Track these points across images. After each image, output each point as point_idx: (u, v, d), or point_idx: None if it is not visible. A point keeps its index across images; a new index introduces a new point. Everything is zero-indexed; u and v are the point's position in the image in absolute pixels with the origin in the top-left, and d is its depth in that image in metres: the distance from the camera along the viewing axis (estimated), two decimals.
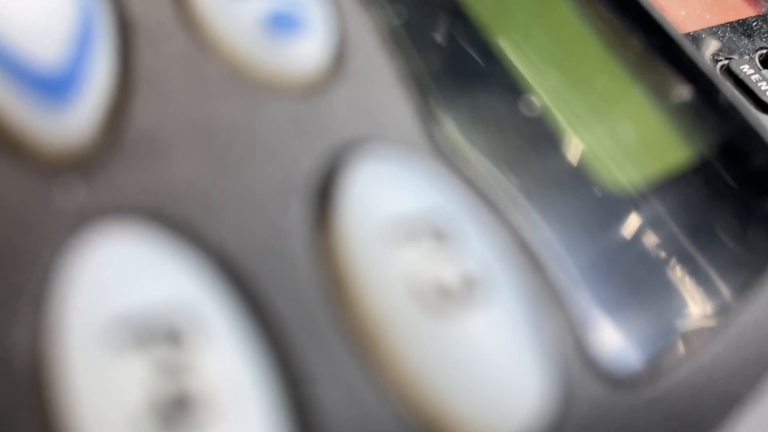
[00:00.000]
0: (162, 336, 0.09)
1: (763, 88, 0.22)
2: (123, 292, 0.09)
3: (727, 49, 0.22)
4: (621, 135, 0.14)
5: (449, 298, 0.10)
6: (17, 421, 0.08)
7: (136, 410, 0.08)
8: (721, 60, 0.22)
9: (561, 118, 0.13)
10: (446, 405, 0.09)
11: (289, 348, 0.09)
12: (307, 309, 0.09)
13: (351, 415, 0.09)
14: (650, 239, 0.13)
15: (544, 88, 0.13)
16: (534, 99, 0.13)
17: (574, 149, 0.13)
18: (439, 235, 0.10)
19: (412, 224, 0.10)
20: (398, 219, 0.10)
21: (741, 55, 0.22)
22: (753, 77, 0.22)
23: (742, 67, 0.22)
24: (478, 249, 0.10)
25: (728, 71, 0.22)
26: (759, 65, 0.22)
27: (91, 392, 0.08)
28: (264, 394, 0.09)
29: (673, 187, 0.14)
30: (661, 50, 0.15)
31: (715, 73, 0.15)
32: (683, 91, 0.15)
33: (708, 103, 0.14)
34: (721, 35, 0.23)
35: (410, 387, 0.09)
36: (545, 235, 0.11)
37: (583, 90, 0.14)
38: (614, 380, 0.10)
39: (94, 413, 0.08)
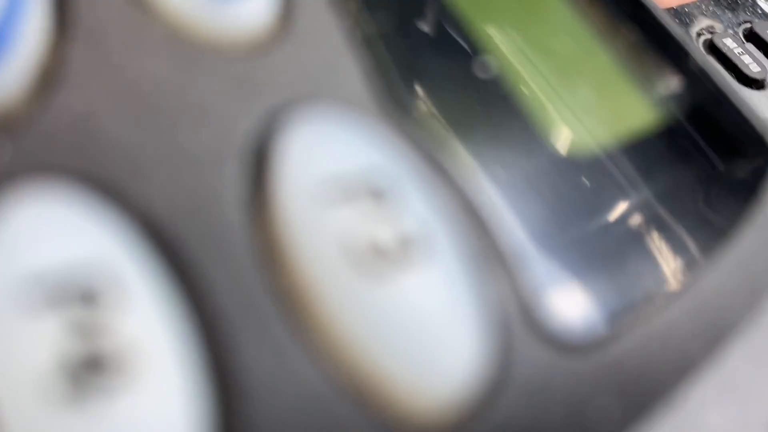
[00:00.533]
0: (76, 296, 0.08)
1: (746, 61, 0.21)
2: (38, 251, 0.08)
3: (710, 24, 0.22)
4: (581, 98, 0.13)
5: (384, 258, 0.09)
6: None
7: (45, 371, 0.08)
8: (704, 35, 0.22)
9: (519, 79, 0.13)
10: (379, 367, 0.09)
11: (214, 310, 0.09)
12: (236, 271, 0.09)
13: (279, 379, 0.09)
14: (605, 203, 0.13)
15: (505, 50, 0.13)
16: (491, 60, 0.13)
17: (529, 111, 0.13)
18: (376, 194, 0.10)
19: (349, 184, 0.10)
20: (335, 179, 0.10)
21: (725, 29, 0.22)
22: (736, 51, 0.21)
23: (725, 41, 0.21)
24: (417, 209, 0.10)
25: (711, 46, 0.21)
26: (742, 39, 0.22)
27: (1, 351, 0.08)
28: (183, 357, 0.08)
29: (633, 150, 0.13)
30: (632, 16, 0.15)
31: (687, 37, 0.15)
32: (653, 55, 0.14)
33: (677, 66, 0.14)
34: (704, 10, 0.23)
35: (342, 349, 0.09)
36: (494, 198, 0.11)
37: (545, 52, 0.13)
38: (560, 345, 0.10)
39: (2, 373, 0.08)
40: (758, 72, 0.20)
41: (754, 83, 0.19)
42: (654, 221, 0.13)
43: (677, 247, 0.12)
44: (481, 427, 0.09)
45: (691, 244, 0.12)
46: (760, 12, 0.22)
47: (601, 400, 0.10)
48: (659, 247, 0.12)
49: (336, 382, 0.09)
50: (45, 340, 0.08)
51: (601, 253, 0.12)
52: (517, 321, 0.10)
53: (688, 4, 0.23)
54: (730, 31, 0.22)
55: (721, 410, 0.11)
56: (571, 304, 0.11)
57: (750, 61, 0.21)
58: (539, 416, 0.10)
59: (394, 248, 0.09)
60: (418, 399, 0.09)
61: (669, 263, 0.12)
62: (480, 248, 0.10)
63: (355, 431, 0.09)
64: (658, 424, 0.10)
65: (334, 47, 0.11)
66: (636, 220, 0.13)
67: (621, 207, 0.13)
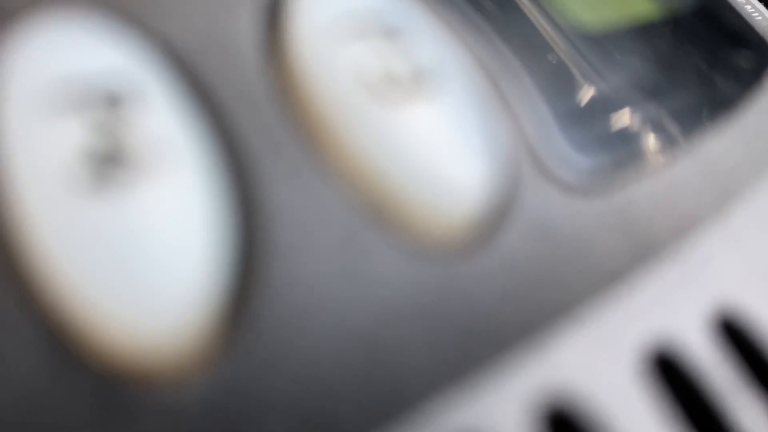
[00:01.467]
0: (101, 99, 0.08)
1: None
2: (66, 59, 0.09)
3: None
4: None
5: (398, 87, 0.09)
6: None
7: (68, 163, 0.08)
8: None
9: None
10: (393, 186, 0.09)
11: (233, 132, 0.09)
12: (253, 97, 0.09)
13: (295, 196, 0.09)
14: (609, 70, 0.13)
15: None
16: None
17: None
18: (390, 32, 0.10)
19: (363, 22, 0.10)
20: (350, 16, 0.10)
21: None
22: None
23: None
24: (429, 46, 0.10)
25: None
26: None
27: (26, 149, 0.08)
28: (202, 162, 0.08)
29: (642, 32, 0.13)
30: None
31: None
32: None
33: None
34: None
35: (357, 172, 0.09)
36: (504, 52, 0.11)
37: None
38: (567, 185, 0.10)
39: (27, 167, 0.08)
40: None
41: None
42: (660, 92, 0.13)
43: (683, 115, 0.12)
44: (491, 254, 0.09)
45: (696, 115, 0.12)
46: None
47: (608, 238, 0.10)
48: (664, 114, 0.12)
49: (351, 203, 0.09)
50: (69, 136, 0.08)
51: (609, 108, 0.12)
52: (525, 159, 0.10)
53: None
54: None
55: (727, 261, 0.11)
56: (577, 146, 0.11)
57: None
58: (546, 249, 0.10)
59: (407, 79, 0.10)
60: (431, 218, 0.09)
61: (675, 128, 0.12)
62: (490, 89, 0.10)
63: (371, 246, 0.09)
64: (664, 271, 0.10)
65: None
66: (641, 81, 0.13)
67: (626, 75, 0.13)
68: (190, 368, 0.08)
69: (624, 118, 0.13)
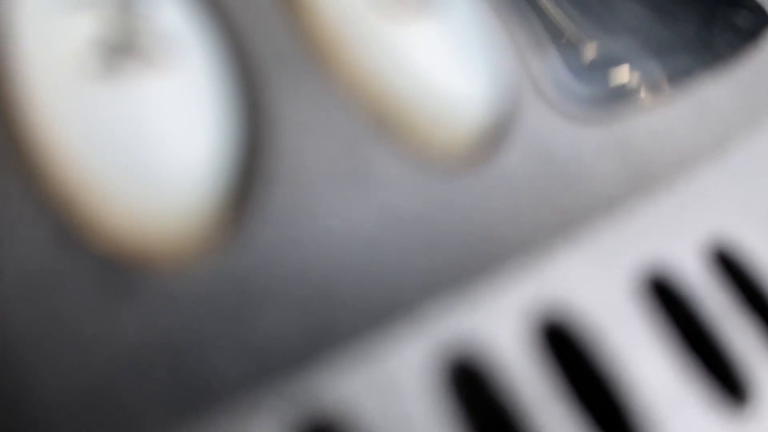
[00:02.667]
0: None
1: None
2: None
3: None
4: None
5: (404, 4, 0.09)
6: None
7: (80, 51, 0.08)
8: None
9: None
10: (395, 101, 0.09)
11: (239, 36, 0.09)
12: (259, 5, 0.09)
13: (299, 100, 0.09)
14: (612, 20, 0.13)
15: None
16: None
17: None
18: None
19: None
20: None
21: None
22: None
23: None
24: None
25: None
26: None
27: (39, 38, 0.08)
28: (210, 59, 0.08)
29: None
30: None
31: None
32: None
33: None
34: None
35: (361, 84, 0.09)
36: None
37: None
38: (567, 113, 0.10)
39: (40, 55, 0.08)
40: None
41: None
42: (658, 46, 0.13)
43: (681, 66, 0.13)
44: (491, 171, 0.09)
45: (693, 67, 0.12)
46: None
47: (606, 166, 0.10)
48: (662, 65, 0.13)
49: (355, 110, 0.09)
50: (81, 28, 0.08)
51: (609, 60, 0.12)
52: (527, 84, 0.10)
53: None
54: None
55: (722, 196, 0.11)
56: (580, 81, 0.11)
57: None
58: (545, 171, 0.10)
59: (414, 1, 0.10)
60: (433, 131, 0.09)
61: (672, 77, 0.12)
62: (495, 18, 0.10)
63: (374, 153, 0.09)
64: (660, 201, 0.10)
65: None
66: (641, 43, 0.13)
67: (626, 29, 0.13)
68: (193, 255, 0.08)
69: (623, 70, 0.13)
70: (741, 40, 0.13)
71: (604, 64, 0.12)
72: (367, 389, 0.08)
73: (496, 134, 0.10)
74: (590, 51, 0.12)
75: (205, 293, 0.08)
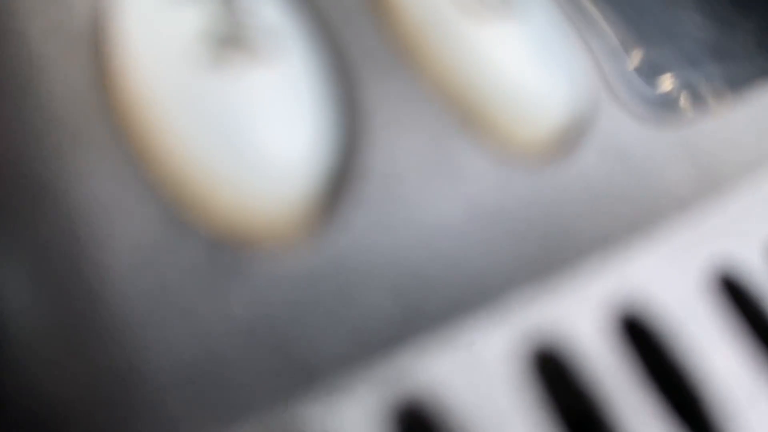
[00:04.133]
0: None
1: None
2: None
3: None
4: None
5: (488, 6, 0.10)
6: (72, 69, 0.08)
7: (189, 43, 0.08)
8: None
9: None
10: (479, 100, 0.09)
11: (332, 34, 0.09)
12: (348, 5, 0.10)
13: (388, 96, 0.09)
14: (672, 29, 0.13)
15: None
16: None
17: None
18: None
19: None
20: None
21: None
22: None
23: None
24: None
25: None
26: None
27: (149, 31, 0.08)
28: (309, 55, 0.09)
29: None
30: None
31: None
32: None
33: None
34: None
35: (447, 82, 0.09)
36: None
37: None
38: (639, 115, 0.10)
39: (150, 47, 0.08)
40: None
41: None
42: (718, 55, 0.13)
43: (740, 75, 0.13)
44: (569, 168, 0.10)
45: (755, 70, 0.13)
46: None
47: (677, 167, 0.10)
48: (721, 74, 0.13)
49: (441, 106, 0.09)
50: (189, 21, 0.08)
51: (666, 69, 0.13)
52: (601, 87, 0.10)
53: None
54: None
55: None
56: (649, 87, 0.11)
57: None
58: (620, 169, 0.10)
59: (497, 1, 0.10)
60: (516, 129, 0.09)
61: (732, 85, 0.12)
62: (568, 22, 0.11)
63: (458, 147, 0.09)
64: (728, 203, 0.11)
65: None
66: (699, 53, 0.13)
67: (686, 38, 0.13)
68: (294, 238, 0.08)
69: (685, 77, 0.13)
70: None
71: (666, 70, 0.13)
72: (455, 372, 0.08)
73: (574, 132, 0.10)
74: (642, 56, 0.13)
75: (306, 274, 0.08)
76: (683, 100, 0.12)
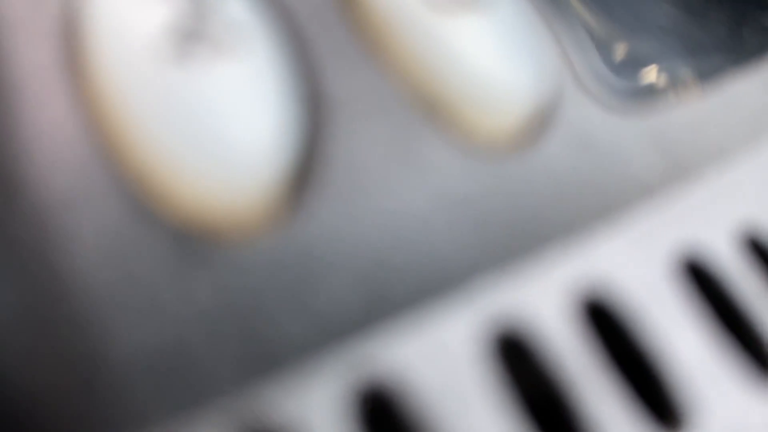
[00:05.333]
0: None
1: None
2: None
3: None
4: None
5: (452, 0, 0.10)
6: (39, 63, 0.08)
7: (155, 37, 0.08)
8: None
9: None
10: (444, 90, 0.10)
11: (298, 28, 0.09)
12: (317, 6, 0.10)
13: (354, 87, 0.09)
14: (643, 18, 0.13)
15: None
16: None
17: None
18: None
19: None
20: None
21: None
22: None
23: None
24: None
25: None
26: None
27: (115, 25, 0.09)
28: (273, 49, 0.09)
29: None
30: None
31: None
32: None
33: None
34: None
35: (412, 73, 0.10)
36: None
37: None
38: (606, 104, 0.10)
39: (116, 41, 0.08)
40: None
41: None
42: (689, 44, 0.13)
43: (711, 63, 0.13)
44: (534, 157, 0.10)
45: (723, 64, 0.13)
46: None
47: (643, 155, 0.10)
48: (693, 62, 0.13)
49: (406, 98, 0.09)
50: (155, 16, 0.09)
51: (640, 60, 0.13)
52: (567, 76, 0.10)
53: None
54: None
55: (754, 188, 0.11)
56: (616, 75, 0.12)
57: None
58: (585, 158, 0.10)
59: None
60: (480, 118, 0.10)
61: (702, 73, 0.13)
62: (536, 13, 0.11)
63: (424, 137, 0.09)
64: (695, 190, 0.11)
65: None
66: (672, 41, 0.13)
67: (657, 27, 0.13)
68: (259, 228, 0.08)
69: (654, 68, 0.13)
70: None
71: (635, 62, 0.13)
72: (419, 356, 0.08)
73: (540, 122, 0.10)
74: (621, 50, 0.13)
75: (270, 263, 0.08)
76: (664, 87, 0.12)
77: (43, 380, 0.07)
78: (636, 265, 0.10)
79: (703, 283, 0.10)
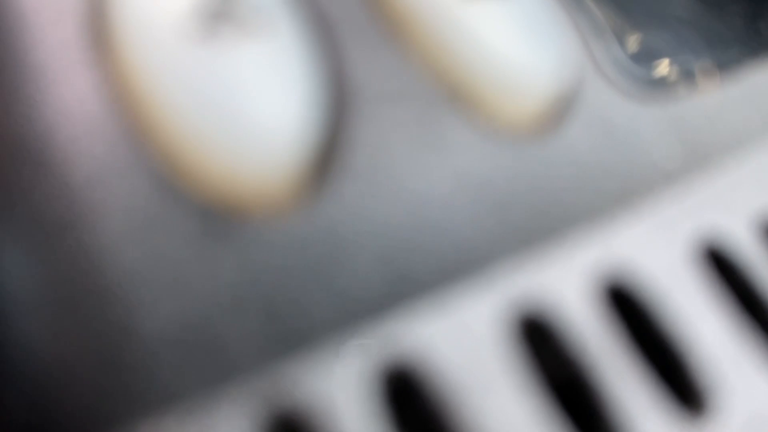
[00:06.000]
0: None
1: None
2: None
3: None
4: None
5: None
6: (66, 43, 0.08)
7: (182, 17, 0.08)
8: None
9: None
10: (467, 75, 0.10)
11: (321, 12, 0.09)
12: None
13: (377, 71, 0.09)
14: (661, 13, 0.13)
15: None
16: None
17: None
18: None
19: None
20: None
21: None
22: None
23: None
24: None
25: None
26: None
27: (143, 5, 0.09)
28: (298, 31, 0.09)
29: None
30: None
31: None
32: None
33: None
34: None
35: (435, 58, 0.10)
36: None
37: None
38: (626, 91, 0.10)
39: (144, 20, 0.09)
40: None
41: None
42: (708, 38, 0.13)
43: (728, 55, 0.13)
44: (557, 141, 0.10)
45: (741, 54, 0.13)
46: None
47: (663, 142, 0.10)
48: (710, 54, 0.13)
49: (429, 82, 0.09)
50: None
51: (657, 54, 0.13)
52: (588, 63, 0.10)
53: None
54: None
55: None
56: (637, 64, 0.12)
57: None
58: (607, 144, 0.10)
59: None
60: (503, 103, 0.10)
61: (720, 64, 0.13)
62: (557, 3, 0.11)
63: (446, 121, 0.09)
64: (714, 178, 0.11)
65: None
66: (689, 36, 0.13)
67: (675, 23, 0.13)
68: (284, 207, 0.08)
69: (671, 60, 0.13)
70: None
71: (648, 55, 0.13)
72: (442, 336, 0.08)
73: (561, 107, 0.10)
74: (635, 41, 0.13)
75: (295, 241, 0.08)
76: (675, 80, 0.12)
77: (70, 356, 0.07)
78: (657, 251, 0.10)
79: (724, 268, 0.10)
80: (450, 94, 0.09)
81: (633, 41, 0.13)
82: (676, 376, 0.09)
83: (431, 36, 0.10)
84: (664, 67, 0.13)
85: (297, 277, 0.08)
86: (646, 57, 0.13)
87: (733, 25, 0.13)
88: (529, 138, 0.10)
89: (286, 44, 0.09)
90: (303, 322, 0.08)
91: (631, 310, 0.09)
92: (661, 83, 0.12)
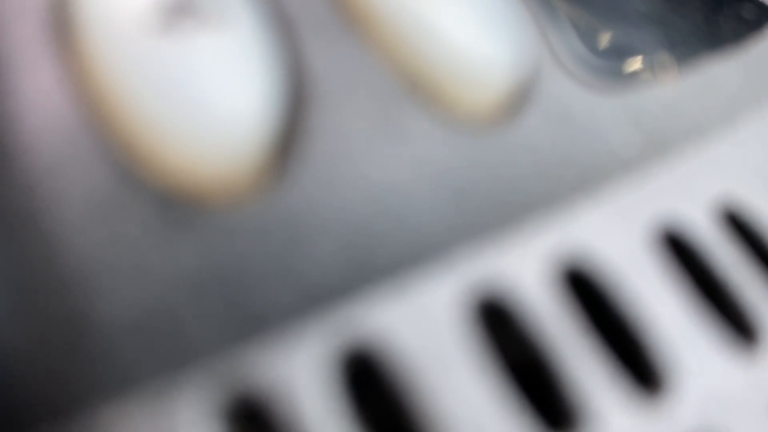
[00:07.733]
0: None
1: None
2: None
3: None
4: None
5: None
6: (27, 35, 0.08)
7: (142, 11, 0.08)
8: None
9: None
10: (426, 66, 0.10)
11: (283, 10, 0.09)
12: None
13: (336, 61, 0.09)
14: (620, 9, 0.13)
15: None
16: None
17: None
18: None
19: None
20: None
21: None
22: None
23: None
24: None
25: None
26: None
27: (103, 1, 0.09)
28: (257, 23, 0.09)
29: None
30: None
31: None
32: None
33: None
34: None
35: (394, 49, 0.10)
36: None
37: None
38: (583, 82, 0.11)
39: (105, 14, 0.09)
40: None
41: None
42: (665, 30, 0.13)
43: (687, 49, 0.13)
44: (515, 131, 0.10)
45: (699, 50, 0.13)
46: None
47: (621, 131, 0.10)
48: (669, 47, 0.13)
49: (388, 73, 0.09)
50: None
51: (621, 48, 0.13)
52: (546, 54, 0.10)
53: None
54: None
55: (732, 165, 0.11)
56: (594, 56, 0.12)
57: None
58: (564, 133, 0.10)
59: None
60: (461, 93, 0.10)
61: (679, 58, 0.13)
62: None
63: (405, 110, 0.09)
64: (673, 166, 0.11)
65: None
66: (649, 29, 0.13)
67: (634, 16, 0.13)
68: (243, 194, 0.08)
69: (633, 55, 0.13)
70: (745, 30, 0.14)
71: (617, 51, 0.13)
72: (402, 320, 0.08)
73: (519, 97, 0.10)
74: (604, 39, 0.13)
75: (255, 228, 0.08)
76: (640, 75, 0.12)
77: (30, 342, 0.07)
78: (615, 236, 0.10)
79: (682, 253, 0.10)
80: (409, 84, 0.10)
81: (604, 38, 0.13)
82: (633, 358, 0.09)
83: (390, 27, 0.10)
84: (636, 63, 0.13)
85: (257, 263, 0.08)
86: (615, 53, 0.13)
87: (693, 19, 0.14)
88: (487, 127, 0.10)
89: (246, 36, 0.09)
90: (263, 307, 0.08)
91: (589, 294, 0.09)
92: (629, 77, 0.12)
